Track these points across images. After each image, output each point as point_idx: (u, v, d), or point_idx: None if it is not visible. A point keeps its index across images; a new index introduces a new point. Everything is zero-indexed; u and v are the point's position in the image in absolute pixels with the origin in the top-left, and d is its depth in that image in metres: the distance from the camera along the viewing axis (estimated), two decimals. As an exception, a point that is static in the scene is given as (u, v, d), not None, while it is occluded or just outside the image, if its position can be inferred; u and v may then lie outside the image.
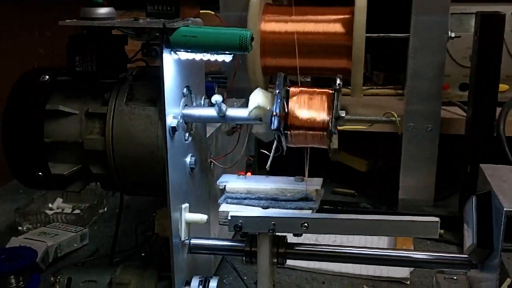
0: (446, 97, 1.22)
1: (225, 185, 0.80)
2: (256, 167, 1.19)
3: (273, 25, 1.12)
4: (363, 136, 1.17)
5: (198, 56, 0.68)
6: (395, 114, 0.70)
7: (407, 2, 1.10)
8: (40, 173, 0.74)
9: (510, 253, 0.99)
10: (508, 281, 0.68)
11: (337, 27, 1.10)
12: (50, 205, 1.21)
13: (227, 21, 1.13)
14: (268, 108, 0.70)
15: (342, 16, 1.10)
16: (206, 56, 0.68)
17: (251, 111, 0.70)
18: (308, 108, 0.72)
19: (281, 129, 0.70)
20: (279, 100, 0.69)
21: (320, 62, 1.12)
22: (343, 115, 0.71)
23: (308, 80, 1.34)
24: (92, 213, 1.18)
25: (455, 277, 0.78)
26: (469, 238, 0.68)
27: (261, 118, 0.71)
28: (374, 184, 1.32)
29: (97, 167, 0.73)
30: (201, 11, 0.78)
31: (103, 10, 0.69)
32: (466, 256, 0.70)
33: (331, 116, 0.70)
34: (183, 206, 0.75)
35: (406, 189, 1.17)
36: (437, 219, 0.70)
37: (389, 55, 1.35)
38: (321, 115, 0.71)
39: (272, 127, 0.69)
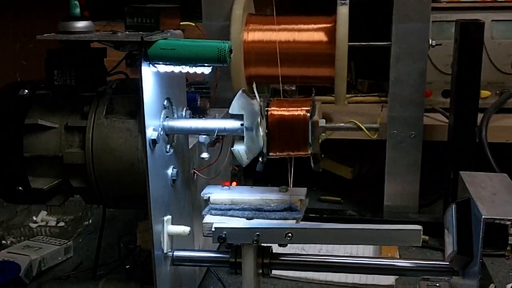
0: (429, 104, 1.22)
1: (209, 196, 0.80)
2: (241, 176, 1.19)
3: (256, 35, 1.12)
4: (348, 144, 1.18)
5: (177, 69, 0.68)
6: (357, 122, 0.71)
7: (388, 10, 1.11)
8: (20, 188, 0.74)
9: (493, 257, 1.00)
10: (492, 286, 0.68)
11: (320, 36, 1.11)
12: (34, 218, 1.19)
13: (210, 31, 1.14)
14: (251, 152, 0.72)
15: (324, 25, 1.11)
16: (185, 69, 0.68)
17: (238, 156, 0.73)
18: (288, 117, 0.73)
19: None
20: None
21: (303, 71, 1.12)
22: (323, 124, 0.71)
23: (293, 88, 1.34)
24: (76, 225, 1.17)
25: (438, 284, 0.78)
26: (449, 245, 0.69)
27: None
28: (360, 191, 1.32)
29: (78, 181, 0.73)
30: (181, 23, 0.78)
31: (81, 24, 0.69)
32: (448, 263, 0.71)
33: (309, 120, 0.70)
34: (165, 218, 0.74)
35: (391, 196, 1.17)
36: (419, 227, 0.71)
37: (373, 63, 1.36)
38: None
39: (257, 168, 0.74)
